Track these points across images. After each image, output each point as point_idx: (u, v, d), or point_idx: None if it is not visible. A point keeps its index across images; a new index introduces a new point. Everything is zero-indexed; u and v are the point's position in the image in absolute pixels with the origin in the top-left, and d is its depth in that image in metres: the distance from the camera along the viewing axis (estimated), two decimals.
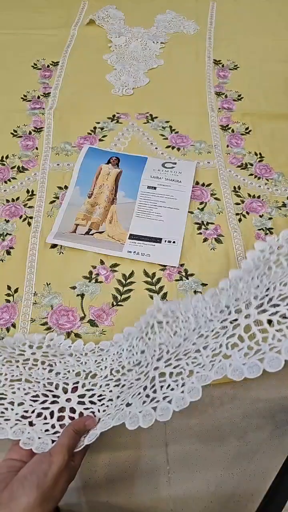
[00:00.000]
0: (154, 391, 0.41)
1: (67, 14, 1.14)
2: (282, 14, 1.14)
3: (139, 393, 0.42)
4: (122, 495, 0.48)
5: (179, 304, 0.52)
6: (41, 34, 1.08)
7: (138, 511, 0.47)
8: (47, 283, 0.63)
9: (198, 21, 1.12)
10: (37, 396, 0.47)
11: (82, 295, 0.62)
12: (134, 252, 0.66)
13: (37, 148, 0.82)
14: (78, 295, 0.62)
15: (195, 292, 0.63)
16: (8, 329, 0.59)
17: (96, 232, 0.69)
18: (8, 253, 0.67)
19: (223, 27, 1.10)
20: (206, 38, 1.07)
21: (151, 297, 0.62)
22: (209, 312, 0.47)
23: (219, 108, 0.90)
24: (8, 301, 0.61)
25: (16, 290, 0.62)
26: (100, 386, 0.49)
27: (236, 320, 0.41)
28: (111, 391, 0.48)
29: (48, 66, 0.99)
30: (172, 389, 0.40)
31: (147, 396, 0.41)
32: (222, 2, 1.18)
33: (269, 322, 0.39)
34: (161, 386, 0.41)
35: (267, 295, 0.40)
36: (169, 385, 0.41)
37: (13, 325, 0.59)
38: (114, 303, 0.62)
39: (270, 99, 0.92)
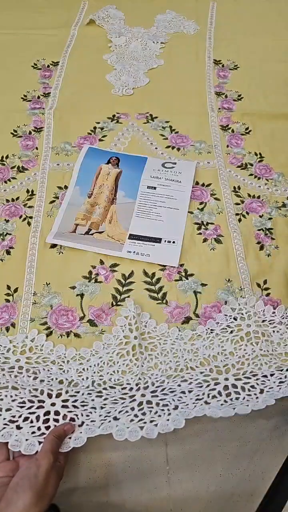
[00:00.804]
0: (143, 414, 0.47)
1: (67, 14, 1.14)
2: (282, 14, 1.15)
3: (127, 411, 0.48)
4: (122, 495, 0.48)
5: (157, 330, 0.59)
6: (41, 34, 1.08)
7: (138, 511, 0.47)
8: (46, 283, 0.63)
9: (198, 21, 1.12)
10: (23, 402, 0.49)
11: (82, 295, 0.62)
12: (134, 252, 0.66)
13: (37, 148, 0.82)
14: (77, 295, 0.62)
15: (194, 292, 0.63)
16: (7, 329, 0.59)
17: (96, 232, 0.69)
18: (8, 252, 0.67)
19: (223, 27, 1.10)
20: (206, 38, 1.07)
21: (151, 297, 0.62)
22: (188, 357, 0.56)
23: (219, 108, 0.90)
24: (7, 300, 0.61)
25: (15, 290, 0.62)
26: (83, 394, 0.51)
27: (217, 378, 0.52)
28: (93, 400, 0.50)
29: (48, 66, 0.99)
30: (159, 416, 0.47)
31: (136, 416, 0.47)
32: (222, 2, 1.18)
33: (242, 387, 0.50)
34: (150, 411, 0.48)
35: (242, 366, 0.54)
36: (156, 412, 0.48)
37: (13, 325, 0.59)
38: (114, 303, 0.62)
39: (270, 99, 0.92)
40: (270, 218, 0.72)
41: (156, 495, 0.48)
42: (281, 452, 0.51)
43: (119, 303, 0.62)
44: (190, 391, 0.50)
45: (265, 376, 0.52)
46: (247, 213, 0.72)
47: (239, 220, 0.71)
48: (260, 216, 0.72)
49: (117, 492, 0.48)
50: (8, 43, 1.05)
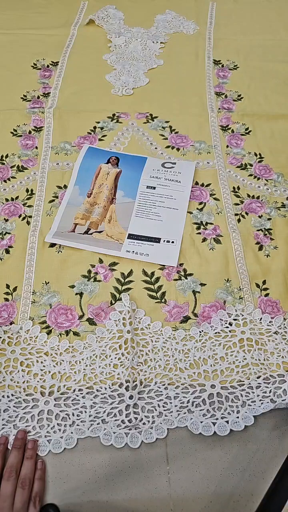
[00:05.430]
0: (129, 421, 0.51)
1: (67, 14, 1.14)
2: (282, 14, 1.15)
3: (115, 414, 0.52)
4: (122, 495, 0.48)
5: (150, 328, 0.60)
6: (41, 34, 1.08)
7: (138, 511, 0.47)
8: (45, 281, 0.63)
9: (197, 21, 1.12)
10: (19, 402, 0.52)
11: (81, 294, 0.62)
12: (133, 251, 0.66)
13: (36, 147, 0.82)
14: (76, 293, 0.62)
15: (193, 292, 0.62)
16: None
17: (95, 232, 0.69)
18: (7, 252, 0.66)
19: (223, 27, 1.11)
20: (206, 38, 1.08)
21: (150, 296, 0.62)
22: (179, 357, 0.57)
23: (219, 108, 0.90)
24: (6, 299, 0.61)
25: (15, 289, 0.62)
26: (74, 390, 0.54)
27: (204, 385, 0.54)
28: (84, 397, 0.53)
29: (48, 66, 0.99)
30: (144, 424, 0.51)
31: (122, 422, 0.51)
32: (222, 2, 1.18)
33: (226, 397, 0.53)
34: (136, 418, 0.51)
35: (230, 374, 0.55)
36: (141, 419, 0.51)
37: (12, 324, 0.59)
38: (113, 302, 0.61)
39: (270, 99, 0.92)
40: (269, 219, 0.72)
41: (156, 495, 0.48)
42: (281, 452, 0.50)
43: (118, 301, 0.61)
44: (175, 397, 0.53)
45: (251, 387, 0.54)
46: (246, 213, 0.72)
47: (238, 220, 0.71)
48: (259, 217, 0.72)
49: (117, 492, 0.48)
50: (8, 43, 1.05)
